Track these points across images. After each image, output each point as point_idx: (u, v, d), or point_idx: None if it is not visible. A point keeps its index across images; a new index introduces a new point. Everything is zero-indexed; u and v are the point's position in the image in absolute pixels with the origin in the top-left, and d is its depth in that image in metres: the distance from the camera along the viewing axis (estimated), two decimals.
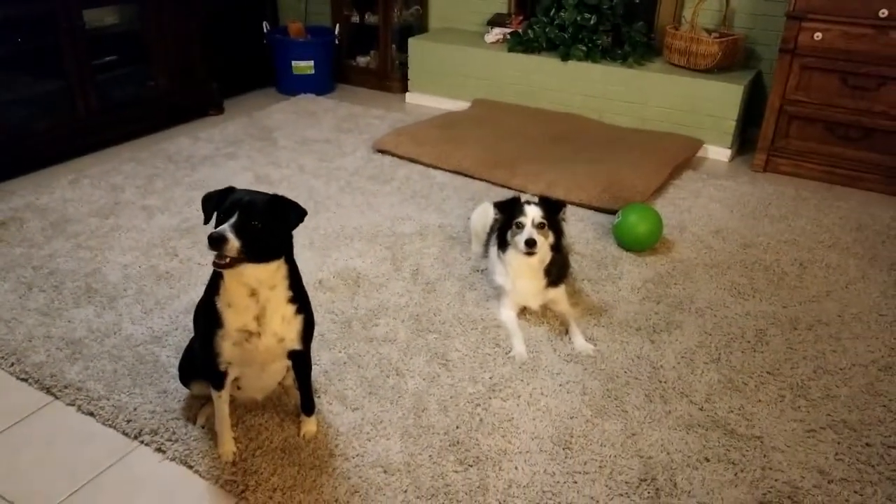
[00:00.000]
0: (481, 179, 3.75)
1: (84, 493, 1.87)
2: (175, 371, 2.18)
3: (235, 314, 1.73)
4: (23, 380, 2.24)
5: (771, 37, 4.14)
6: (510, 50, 4.60)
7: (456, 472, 1.93)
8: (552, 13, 4.49)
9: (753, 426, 2.11)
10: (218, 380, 1.86)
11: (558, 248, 2.50)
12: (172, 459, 1.96)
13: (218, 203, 1.69)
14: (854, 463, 1.99)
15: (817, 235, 3.25)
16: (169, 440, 2.01)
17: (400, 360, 2.36)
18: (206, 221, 1.74)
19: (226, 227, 1.59)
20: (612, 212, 3.27)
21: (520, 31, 4.66)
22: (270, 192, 1.74)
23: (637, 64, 4.30)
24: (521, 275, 2.50)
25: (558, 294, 2.58)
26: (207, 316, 1.77)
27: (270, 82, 5.27)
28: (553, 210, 2.47)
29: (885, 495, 1.90)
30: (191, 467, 1.93)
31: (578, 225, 3.29)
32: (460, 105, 4.81)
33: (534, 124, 4.32)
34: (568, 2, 4.39)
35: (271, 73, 5.23)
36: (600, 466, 1.96)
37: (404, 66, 5.10)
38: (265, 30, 5.15)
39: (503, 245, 2.52)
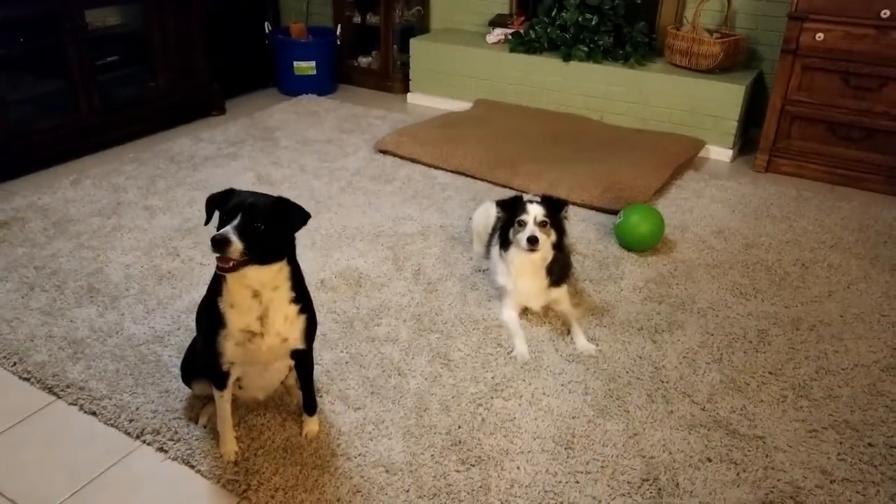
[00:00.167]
0: (483, 179, 3.75)
1: (86, 492, 1.87)
2: (177, 371, 2.19)
3: (238, 315, 1.73)
4: (25, 379, 2.24)
5: (772, 37, 4.15)
6: (512, 50, 4.61)
7: (458, 471, 1.93)
8: (553, 14, 4.50)
9: (755, 426, 2.11)
10: (220, 380, 1.86)
11: (560, 247, 2.50)
12: (174, 459, 1.96)
13: (220, 205, 1.67)
14: (856, 463, 1.99)
15: (819, 236, 3.25)
16: (171, 440, 2.01)
17: (402, 359, 2.36)
18: (207, 222, 1.73)
19: (229, 230, 1.58)
20: (614, 212, 3.27)
21: (521, 31, 4.66)
22: (272, 192, 1.73)
23: (638, 64, 4.30)
24: (522, 274, 2.50)
25: (560, 294, 2.58)
26: (210, 316, 1.77)
27: (272, 83, 5.28)
28: (555, 209, 2.47)
29: (888, 495, 1.90)
30: (193, 467, 1.93)
31: (580, 225, 3.29)
32: (462, 105, 4.81)
33: (535, 124, 4.32)
34: (569, 2, 4.39)
35: (273, 74, 5.23)
36: (602, 466, 1.96)
37: (406, 66, 5.10)
38: (267, 30, 5.15)
39: (505, 244, 2.51)
